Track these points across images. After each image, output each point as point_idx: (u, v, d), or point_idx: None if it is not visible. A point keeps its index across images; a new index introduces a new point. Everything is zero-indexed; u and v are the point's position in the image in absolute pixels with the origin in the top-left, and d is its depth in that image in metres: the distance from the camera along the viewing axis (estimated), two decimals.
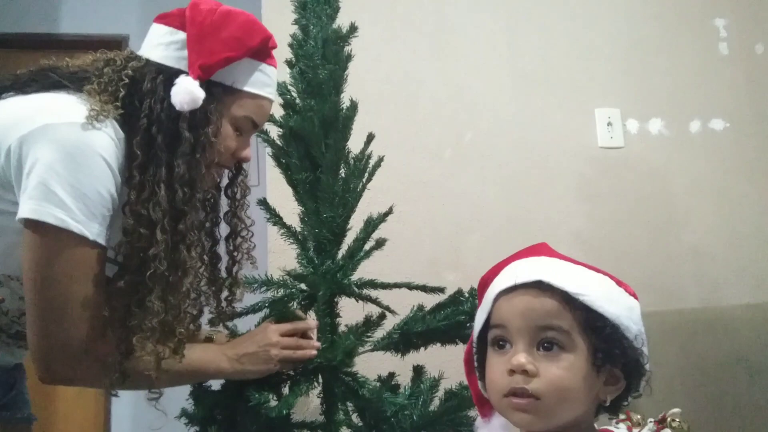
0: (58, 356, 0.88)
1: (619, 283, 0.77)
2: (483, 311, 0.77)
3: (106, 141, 0.89)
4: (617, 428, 1.31)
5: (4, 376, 1.06)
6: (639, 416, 1.33)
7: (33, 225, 0.85)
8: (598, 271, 0.77)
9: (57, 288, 0.87)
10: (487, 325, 0.76)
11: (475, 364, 0.79)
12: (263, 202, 1.28)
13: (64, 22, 2.80)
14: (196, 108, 0.93)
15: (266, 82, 1.03)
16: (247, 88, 1.00)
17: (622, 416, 1.35)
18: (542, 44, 2.06)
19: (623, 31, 2.13)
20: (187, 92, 0.92)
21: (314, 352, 1.09)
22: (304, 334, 1.11)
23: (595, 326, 0.71)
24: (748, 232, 2.09)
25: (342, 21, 1.30)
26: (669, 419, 1.29)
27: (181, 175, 0.93)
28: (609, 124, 2.05)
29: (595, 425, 1.32)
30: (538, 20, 2.08)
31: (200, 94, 0.93)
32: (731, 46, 2.20)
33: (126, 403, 2.34)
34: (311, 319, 1.16)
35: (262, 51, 1.01)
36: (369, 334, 1.20)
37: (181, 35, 0.96)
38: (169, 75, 0.94)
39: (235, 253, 1.11)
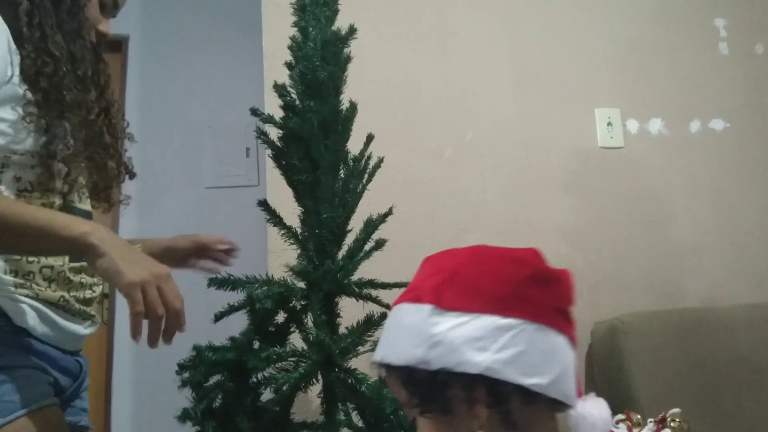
0: None
1: (417, 294, 0.71)
2: None
3: None
4: (617, 428, 1.31)
5: (72, 362, 1.05)
6: (639, 416, 1.33)
7: None
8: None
9: None
10: None
11: None
12: (263, 203, 1.28)
13: None
14: None
15: None
16: None
17: (621, 416, 1.35)
18: (542, 44, 2.07)
19: (623, 31, 2.13)
20: None
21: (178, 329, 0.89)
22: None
23: (418, 379, 0.69)
24: (748, 231, 2.09)
25: (343, 21, 1.31)
26: (669, 419, 1.29)
27: (69, 21, 1.03)
28: (609, 124, 2.06)
29: None
30: (539, 20, 2.08)
31: None
32: (731, 46, 2.20)
33: (126, 403, 2.35)
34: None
35: None
36: (370, 333, 1.20)
37: None
38: None
39: (114, 132, 1.16)
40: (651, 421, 1.30)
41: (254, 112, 1.26)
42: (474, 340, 0.65)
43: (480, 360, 0.64)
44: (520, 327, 0.65)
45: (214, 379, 1.16)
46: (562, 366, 0.66)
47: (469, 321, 0.66)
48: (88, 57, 1.07)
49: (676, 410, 1.30)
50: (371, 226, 1.24)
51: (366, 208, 1.29)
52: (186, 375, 1.15)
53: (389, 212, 1.28)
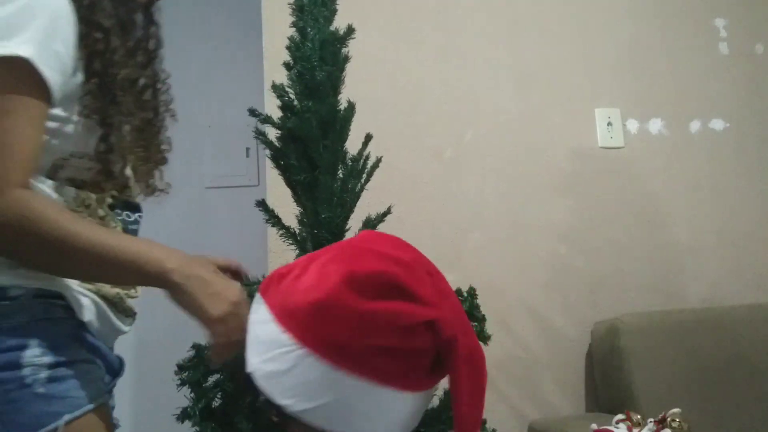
0: None
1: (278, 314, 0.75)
2: None
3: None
4: (617, 428, 1.31)
5: (115, 359, 1.03)
6: (639, 416, 1.33)
7: None
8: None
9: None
10: None
11: None
12: (262, 204, 1.28)
13: None
14: None
15: None
16: None
17: (621, 416, 1.35)
18: (542, 44, 2.07)
19: (623, 31, 2.13)
20: None
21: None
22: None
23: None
24: (748, 232, 2.09)
25: (343, 21, 1.31)
26: (669, 419, 1.29)
27: None
28: (609, 124, 2.06)
29: (595, 425, 1.33)
30: (539, 21, 2.08)
31: None
32: (731, 46, 2.20)
33: (126, 403, 2.35)
34: None
35: None
36: None
37: None
38: None
39: (157, 107, 1.11)
40: (651, 421, 1.30)
41: (252, 112, 1.26)
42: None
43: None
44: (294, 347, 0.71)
45: (213, 378, 1.16)
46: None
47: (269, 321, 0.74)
48: (139, 22, 0.99)
49: (676, 410, 1.30)
50: (370, 226, 1.25)
51: (366, 208, 1.29)
52: (185, 374, 1.15)
53: (387, 212, 1.29)
